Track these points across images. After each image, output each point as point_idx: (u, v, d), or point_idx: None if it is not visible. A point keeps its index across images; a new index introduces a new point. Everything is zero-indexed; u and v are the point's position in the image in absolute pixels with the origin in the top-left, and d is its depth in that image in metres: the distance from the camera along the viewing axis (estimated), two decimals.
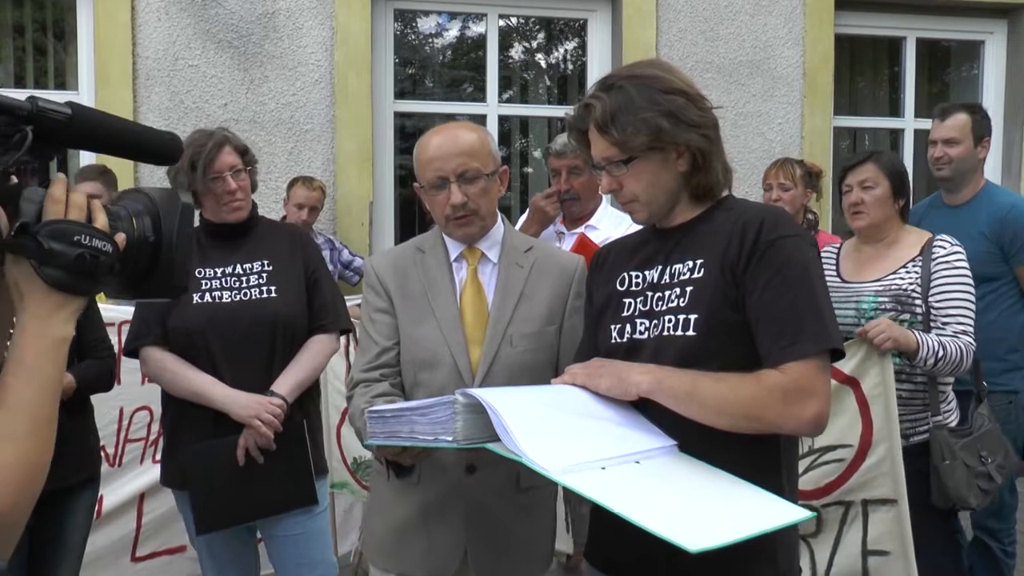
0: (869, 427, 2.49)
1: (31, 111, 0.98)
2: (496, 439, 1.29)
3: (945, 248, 2.60)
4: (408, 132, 5.32)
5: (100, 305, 2.66)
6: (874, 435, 2.48)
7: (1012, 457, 2.71)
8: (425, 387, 1.88)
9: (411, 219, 4.97)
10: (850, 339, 2.45)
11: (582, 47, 5.37)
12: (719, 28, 5.05)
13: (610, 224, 3.26)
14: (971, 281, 2.58)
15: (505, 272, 1.93)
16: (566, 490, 1.28)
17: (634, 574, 1.54)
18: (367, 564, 2.23)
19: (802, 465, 2.56)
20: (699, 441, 1.41)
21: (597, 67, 5.11)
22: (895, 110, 5.58)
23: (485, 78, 5.09)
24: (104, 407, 2.80)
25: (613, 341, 1.60)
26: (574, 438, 1.33)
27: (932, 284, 2.57)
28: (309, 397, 2.54)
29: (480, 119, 5.10)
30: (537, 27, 5.81)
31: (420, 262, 1.96)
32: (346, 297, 2.71)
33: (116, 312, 2.90)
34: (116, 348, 2.74)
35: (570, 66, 5.83)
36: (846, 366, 2.42)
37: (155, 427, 3.09)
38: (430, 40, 5.70)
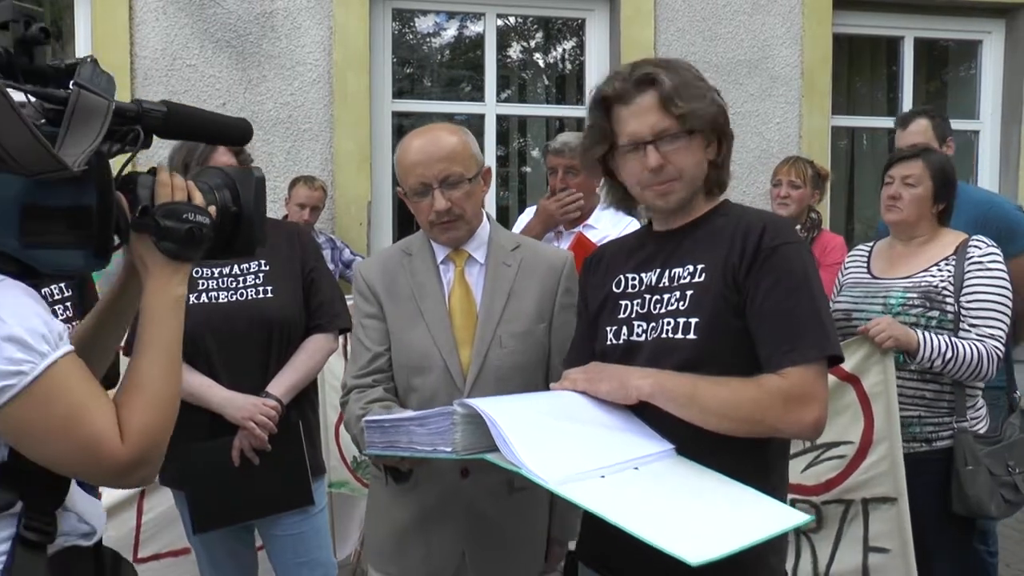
0: (870, 425, 2.48)
1: (137, 111, 1.14)
2: (495, 449, 1.29)
3: (981, 249, 2.52)
4: (406, 131, 5.29)
5: None
6: (875, 433, 2.47)
7: None
8: (418, 392, 1.88)
9: (409, 218, 4.95)
10: (852, 337, 2.45)
11: (580, 47, 5.37)
12: (717, 27, 5.05)
13: (608, 223, 3.25)
14: (1007, 284, 2.49)
15: (493, 272, 1.92)
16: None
17: (626, 573, 1.55)
18: (366, 564, 2.23)
19: (804, 461, 2.56)
20: (694, 444, 1.42)
21: (595, 67, 5.11)
22: (893, 109, 5.57)
23: (483, 77, 5.09)
24: None
25: (609, 343, 1.60)
26: (573, 446, 1.33)
27: (964, 285, 2.49)
28: (306, 397, 2.53)
29: (478, 118, 5.10)
30: (535, 27, 5.80)
31: (407, 265, 1.95)
32: (347, 296, 2.71)
33: None
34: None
35: (568, 66, 5.82)
36: (847, 363, 2.40)
37: None
38: (428, 39, 5.70)
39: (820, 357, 1.43)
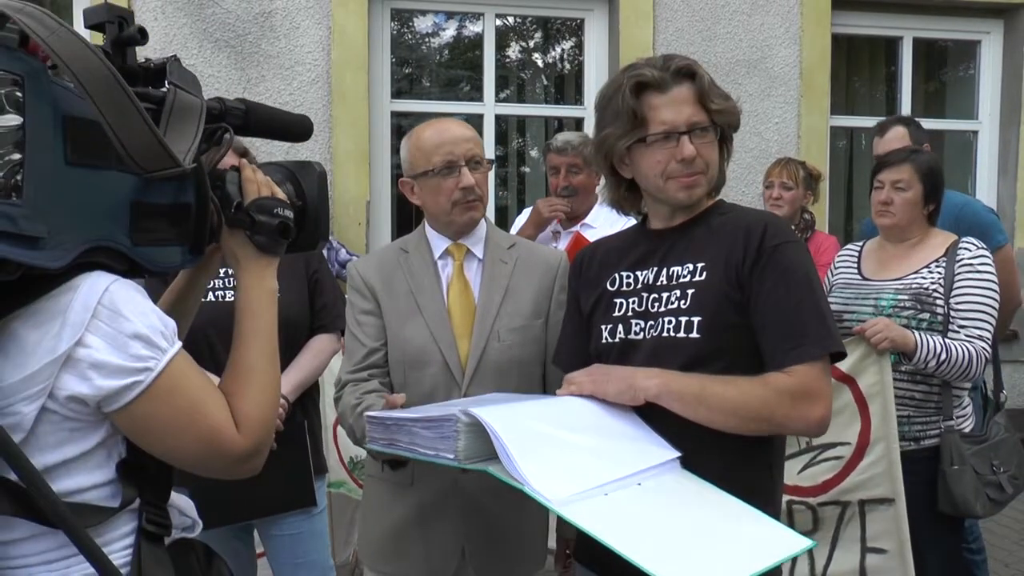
0: (867, 426, 2.49)
1: (221, 109, 1.18)
2: (498, 458, 1.28)
3: (970, 251, 2.55)
4: (405, 131, 5.30)
5: None
6: (872, 434, 2.48)
7: None
8: (415, 386, 1.87)
9: (408, 218, 4.97)
10: (850, 337, 2.45)
11: (579, 46, 5.37)
12: (716, 27, 5.05)
13: (606, 223, 3.26)
14: (995, 286, 2.52)
15: (490, 268, 1.94)
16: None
17: (623, 573, 1.55)
18: (363, 565, 2.23)
19: (801, 462, 2.57)
20: (698, 443, 1.43)
21: (594, 67, 5.11)
22: (892, 110, 5.57)
23: (482, 77, 5.10)
24: None
25: (604, 341, 1.60)
26: (577, 460, 1.32)
27: (954, 286, 2.52)
28: (309, 397, 2.54)
29: (477, 118, 5.10)
30: (534, 27, 5.80)
31: (404, 262, 1.96)
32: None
33: None
34: None
35: (567, 66, 5.82)
36: (843, 363, 2.42)
37: None
38: (427, 39, 5.70)
39: (824, 354, 1.45)
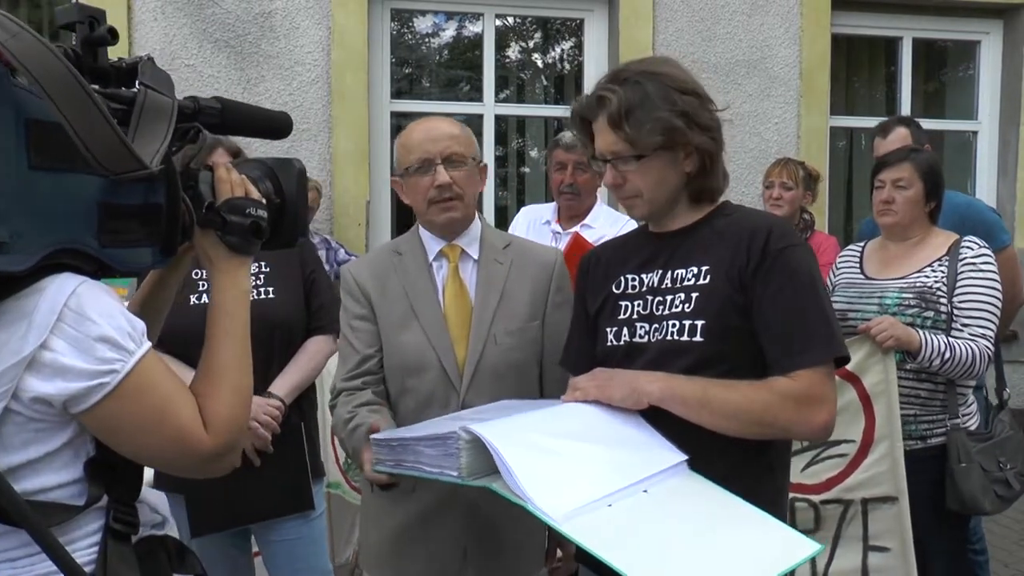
0: (871, 424, 2.49)
1: (195, 108, 1.17)
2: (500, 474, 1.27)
3: (972, 250, 2.57)
4: None
5: None
6: (876, 432, 2.48)
7: None
8: (413, 392, 1.86)
9: (408, 219, 4.96)
10: (853, 337, 2.45)
11: (579, 47, 5.37)
12: (716, 28, 5.05)
13: (605, 223, 3.25)
14: (997, 285, 2.54)
15: (486, 269, 1.91)
16: None
17: None
18: (363, 570, 2.22)
19: (805, 460, 2.57)
20: (700, 446, 1.42)
21: (594, 67, 5.11)
22: (891, 110, 5.57)
23: (482, 78, 5.09)
24: None
25: (610, 344, 1.60)
26: (580, 472, 1.30)
27: (957, 285, 2.53)
28: (306, 399, 2.52)
29: (477, 119, 5.10)
30: (534, 27, 5.80)
31: (399, 265, 1.93)
32: None
33: None
34: None
35: (567, 66, 5.82)
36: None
37: None
38: (427, 40, 5.69)
39: (828, 359, 1.44)
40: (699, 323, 1.48)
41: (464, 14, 5.38)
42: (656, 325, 1.53)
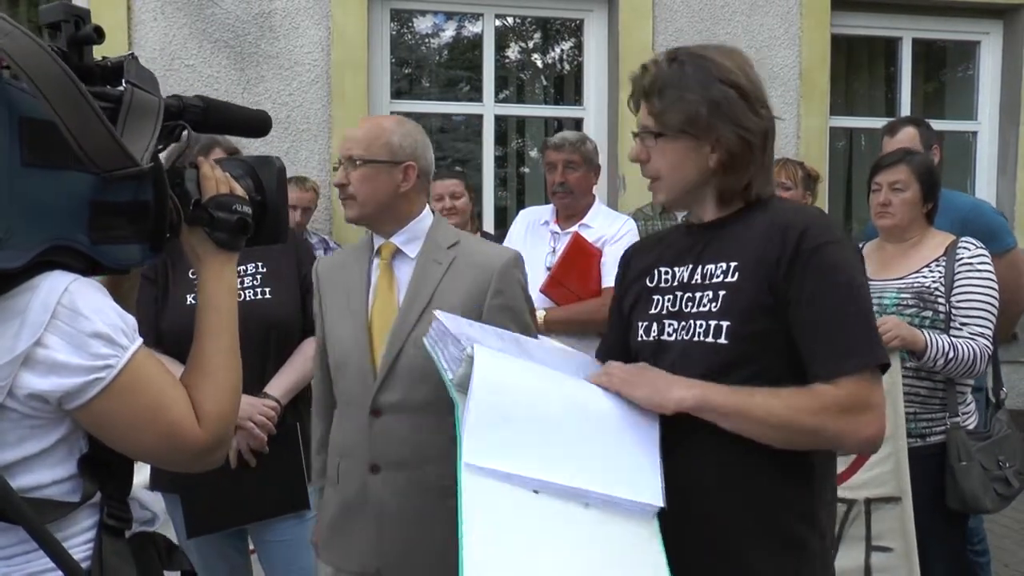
0: None
1: (179, 107, 1.18)
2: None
3: (969, 250, 2.59)
4: None
5: None
6: None
7: None
8: (340, 388, 1.91)
9: None
10: None
11: (578, 47, 5.36)
12: (716, 28, 5.05)
13: (604, 222, 3.26)
14: (994, 284, 2.56)
15: (421, 269, 1.90)
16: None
17: None
18: None
19: None
20: (732, 455, 1.38)
21: (594, 67, 5.11)
22: (891, 110, 5.57)
23: (481, 78, 5.09)
24: None
25: (640, 339, 1.56)
26: (537, 446, 1.23)
27: (955, 285, 2.55)
28: (302, 400, 2.51)
29: (476, 119, 5.10)
30: (533, 27, 5.80)
31: (347, 261, 1.98)
32: None
33: None
34: None
35: (567, 66, 5.82)
36: None
37: None
38: (426, 40, 5.69)
39: (873, 365, 1.36)
40: (724, 324, 1.41)
41: (464, 14, 5.38)
42: (684, 323, 1.48)
